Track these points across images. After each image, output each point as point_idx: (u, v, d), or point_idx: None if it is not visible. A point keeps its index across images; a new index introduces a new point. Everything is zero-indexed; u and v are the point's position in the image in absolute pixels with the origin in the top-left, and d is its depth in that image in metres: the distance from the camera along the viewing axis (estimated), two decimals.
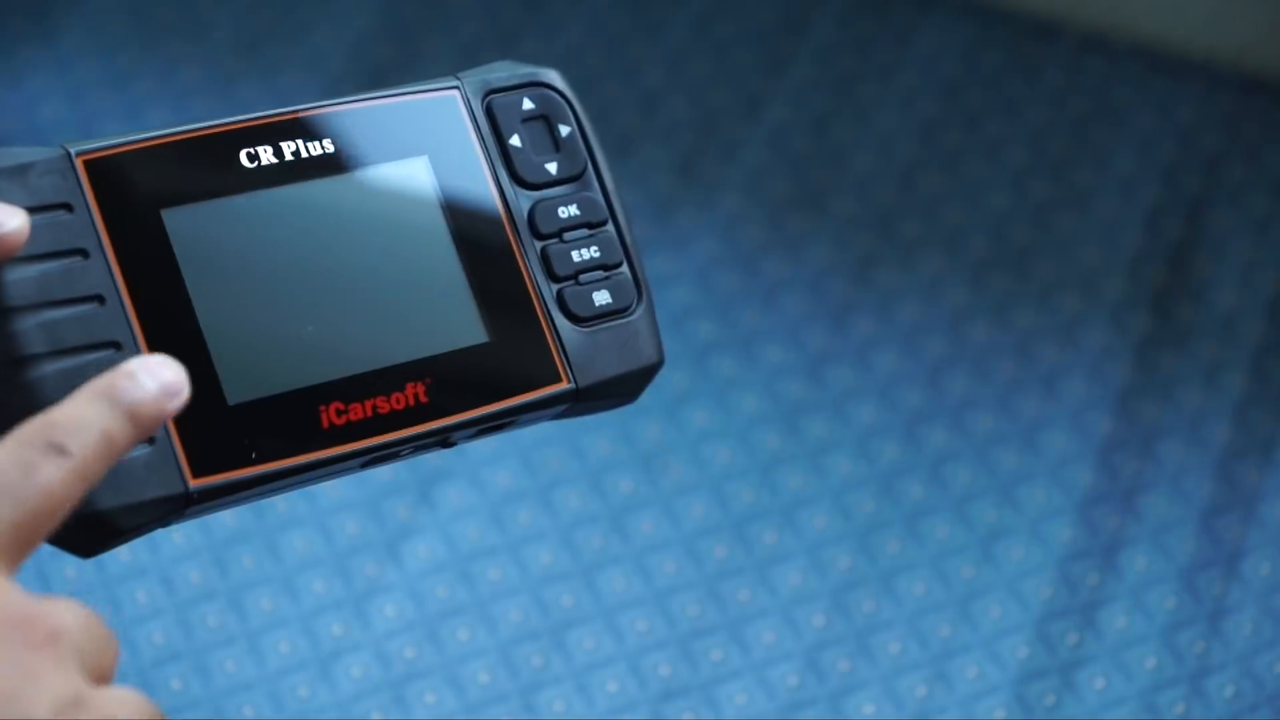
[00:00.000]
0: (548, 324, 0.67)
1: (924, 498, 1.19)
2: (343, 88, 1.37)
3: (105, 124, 1.34)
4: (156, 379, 0.54)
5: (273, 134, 0.64)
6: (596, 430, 1.20)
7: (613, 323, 0.67)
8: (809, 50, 1.42)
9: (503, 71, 0.69)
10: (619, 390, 0.68)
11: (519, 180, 0.67)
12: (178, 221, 0.62)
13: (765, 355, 1.25)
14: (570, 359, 0.66)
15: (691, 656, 1.12)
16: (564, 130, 0.69)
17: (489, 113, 0.68)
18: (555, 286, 0.67)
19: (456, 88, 0.68)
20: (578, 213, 0.68)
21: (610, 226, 0.69)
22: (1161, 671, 1.13)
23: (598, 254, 0.68)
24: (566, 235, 0.67)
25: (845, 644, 1.13)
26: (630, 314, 0.68)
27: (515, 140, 0.68)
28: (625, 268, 0.68)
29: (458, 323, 0.66)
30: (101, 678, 0.48)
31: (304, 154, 0.65)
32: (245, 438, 0.61)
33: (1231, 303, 1.29)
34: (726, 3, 1.44)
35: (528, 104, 0.68)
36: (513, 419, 0.66)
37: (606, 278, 0.68)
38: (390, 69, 1.39)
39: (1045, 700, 1.11)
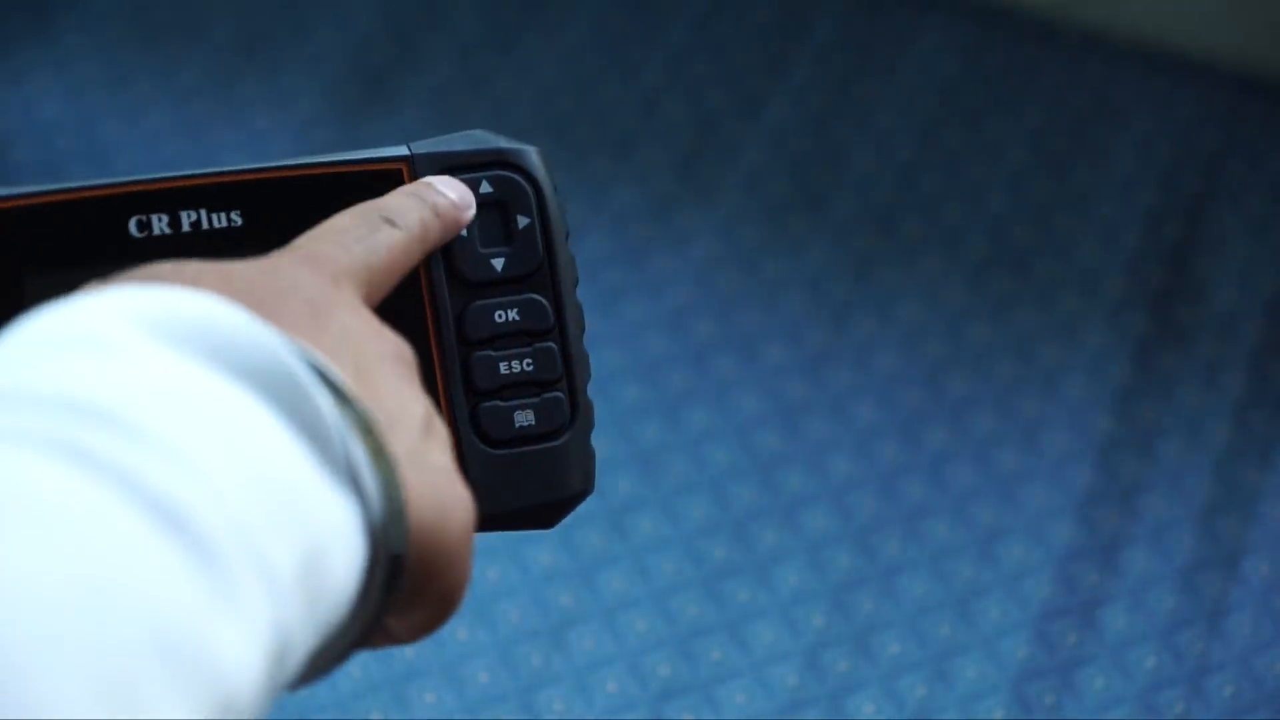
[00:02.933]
0: (454, 444, 0.58)
1: (924, 498, 1.19)
2: (343, 88, 1.37)
3: (105, 124, 1.34)
4: (453, 189, 0.57)
5: (172, 200, 0.56)
6: (596, 431, 1.20)
7: (533, 448, 0.59)
8: (809, 50, 1.42)
9: (467, 145, 0.59)
10: (527, 520, 0.59)
11: (456, 275, 0.58)
12: (41, 290, 0.55)
13: (765, 355, 1.25)
14: (472, 484, 0.57)
15: (691, 656, 1.12)
16: (522, 221, 0.59)
17: None
18: (472, 402, 0.58)
19: (406, 160, 0.58)
20: (517, 318, 0.59)
21: (553, 338, 0.59)
22: (1161, 671, 1.13)
23: (530, 368, 0.59)
24: (499, 343, 0.59)
25: (845, 644, 1.13)
26: (556, 439, 0.59)
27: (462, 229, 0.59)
28: (562, 386, 0.59)
29: None
30: None
31: (204, 226, 0.57)
32: None
33: (1231, 303, 1.29)
34: (726, 3, 1.44)
35: (486, 187, 0.59)
36: None
37: (535, 397, 0.59)
38: (390, 69, 1.39)
39: (1045, 700, 1.11)
